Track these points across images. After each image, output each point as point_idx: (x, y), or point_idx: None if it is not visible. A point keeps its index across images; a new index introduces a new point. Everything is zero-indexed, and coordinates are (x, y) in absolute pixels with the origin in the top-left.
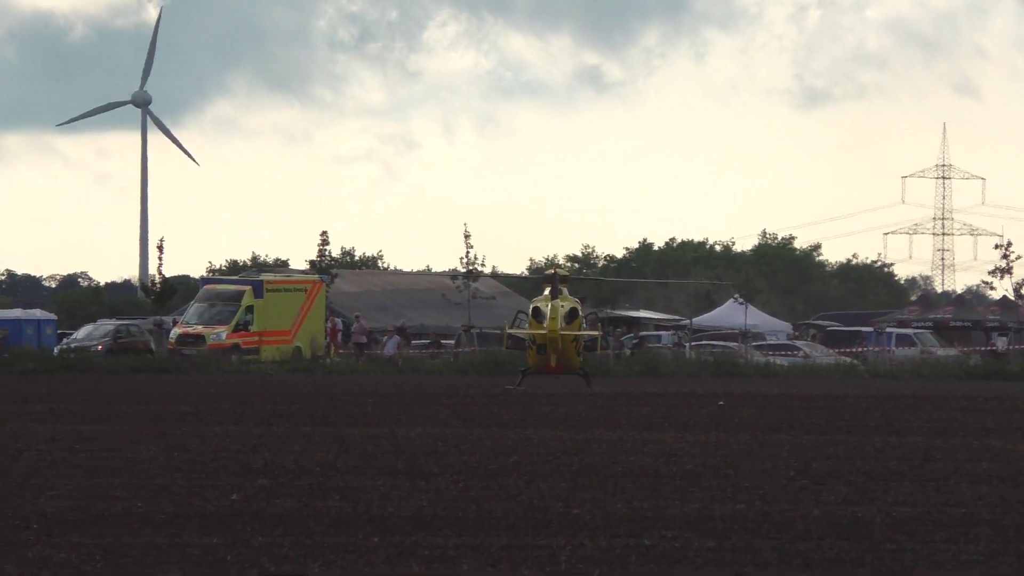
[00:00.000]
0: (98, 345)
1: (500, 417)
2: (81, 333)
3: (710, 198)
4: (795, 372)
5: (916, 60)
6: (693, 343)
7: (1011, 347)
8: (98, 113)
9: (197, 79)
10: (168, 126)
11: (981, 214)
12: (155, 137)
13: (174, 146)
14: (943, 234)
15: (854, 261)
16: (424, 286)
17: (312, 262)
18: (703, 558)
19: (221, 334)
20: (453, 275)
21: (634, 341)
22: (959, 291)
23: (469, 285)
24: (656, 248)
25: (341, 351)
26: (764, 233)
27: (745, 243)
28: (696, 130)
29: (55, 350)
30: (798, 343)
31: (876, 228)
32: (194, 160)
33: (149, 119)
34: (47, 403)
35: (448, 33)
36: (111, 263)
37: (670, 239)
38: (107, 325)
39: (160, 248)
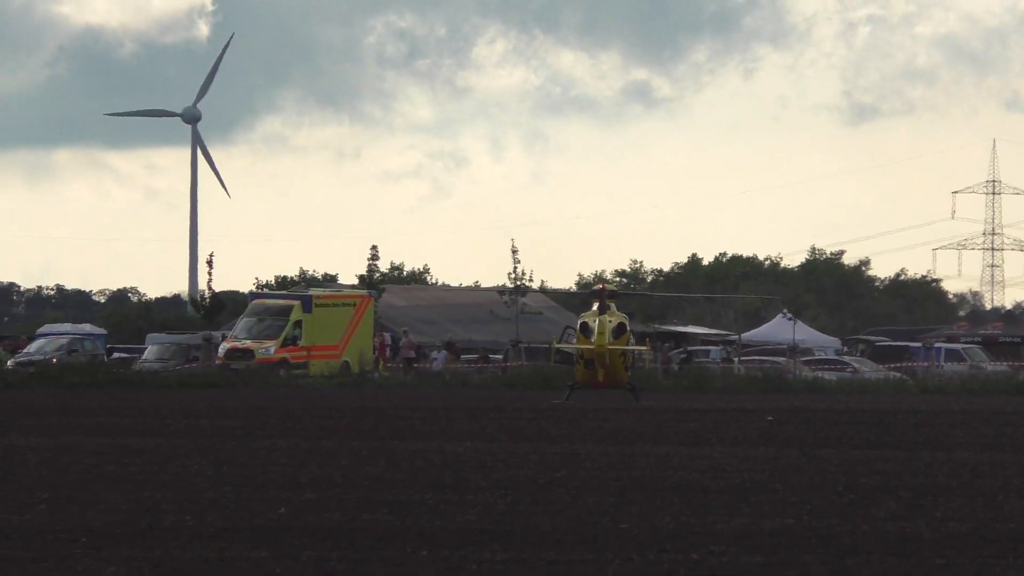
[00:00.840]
0: (52, 358)
1: (548, 432)
2: (33, 347)
3: (759, 213)
4: (843, 387)
5: (965, 76)
6: (742, 358)
7: None
8: (148, 116)
9: (247, 95)
10: (218, 142)
11: None
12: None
13: (220, 163)
14: (992, 249)
15: (903, 277)
16: (472, 301)
17: (361, 277)
18: (751, 573)
19: (270, 348)
20: (501, 290)
21: (682, 356)
22: (1008, 307)
23: (517, 300)
24: (705, 263)
25: (389, 365)
26: (813, 249)
27: (794, 259)
28: (745, 146)
29: (8, 364)
30: (847, 358)
31: (925, 244)
32: (226, 191)
33: (198, 135)
34: (96, 417)
35: (497, 49)
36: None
37: (720, 254)
38: (60, 340)
39: (209, 263)
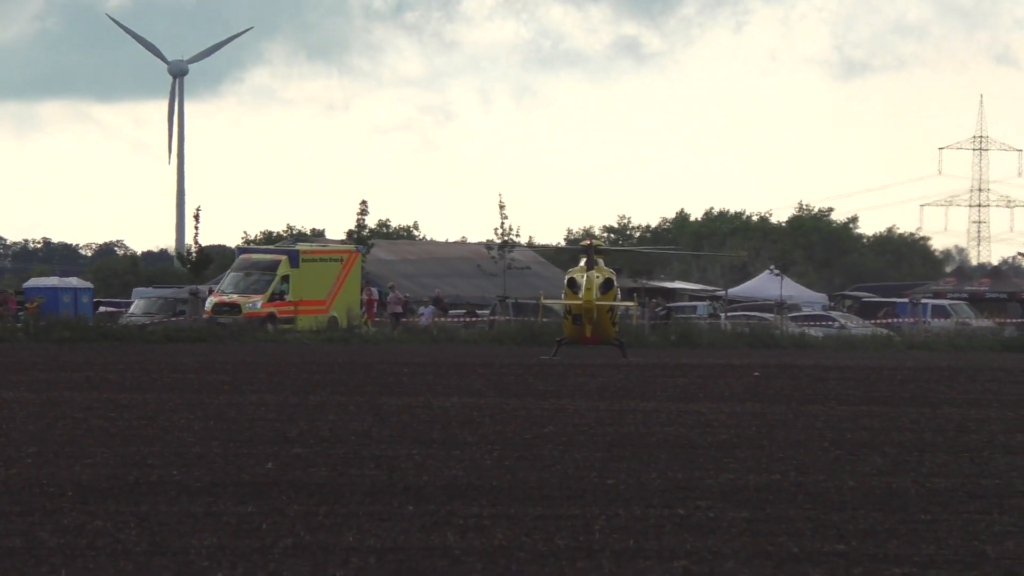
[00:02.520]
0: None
1: (535, 387)
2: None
3: (747, 169)
4: (830, 343)
5: (956, 31)
6: (729, 314)
7: None
8: (141, 43)
9: (236, 49)
10: (207, 94)
11: (1018, 186)
12: (192, 106)
13: (208, 116)
14: (979, 206)
15: (890, 233)
16: (459, 256)
17: (350, 232)
18: (737, 528)
19: (257, 303)
20: (488, 245)
21: (661, 312)
22: (995, 263)
23: (504, 255)
24: (693, 219)
25: (376, 320)
26: (800, 205)
27: (781, 214)
28: (734, 101)
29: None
30: (833, 314)
31: (912, 200)
32: (168, 154)
33: (183, 86)
34: (83, 371)
35: (487, 3)
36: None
37: (707, 210)
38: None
39: (196, 218)
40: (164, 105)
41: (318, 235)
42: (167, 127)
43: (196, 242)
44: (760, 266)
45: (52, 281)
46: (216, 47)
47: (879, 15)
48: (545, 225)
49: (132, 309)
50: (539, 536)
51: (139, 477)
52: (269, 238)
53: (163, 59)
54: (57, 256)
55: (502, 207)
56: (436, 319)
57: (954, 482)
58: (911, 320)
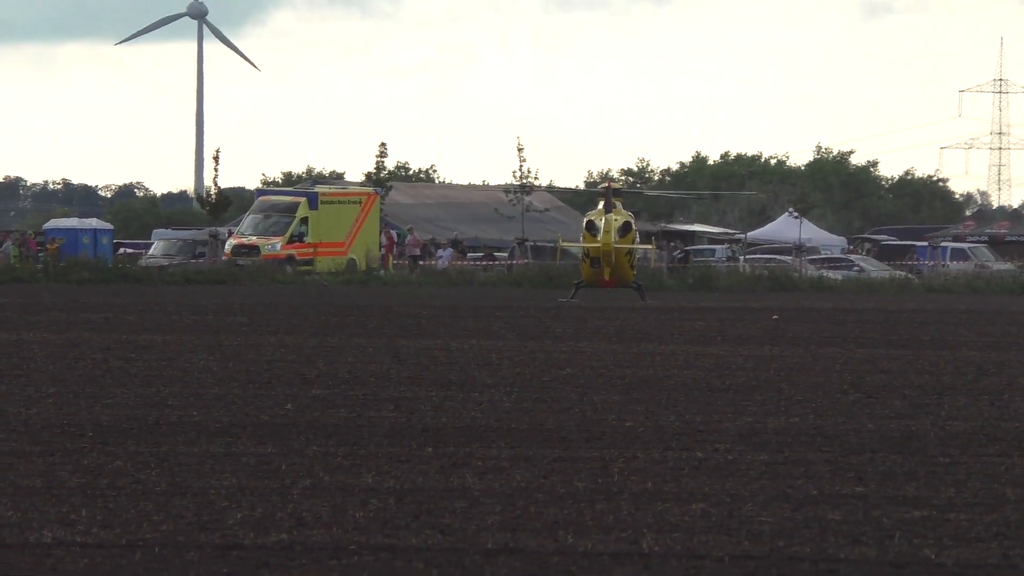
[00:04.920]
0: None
1: (553, 330)
2: (158, 250)
3: (766, 112)
4: (849, 286)
5: None
6: (747, 257)
7: None
8: (155, 28)
9: None
10: (228, 36)
11: None
12: (211, 48)
13: (232, 56)
14: (1000, 149)
15: (910, 176)
16: (478, 199)
17: (369, 174)
18: (756, 471)
19: (276, 245)
20: (507, 189)
21: (679, 256)
22: (1015, 206)
23: (522, 199)
24: (711, 162)
25: (396, 263)
26: (819, 148)
27: (800, 158)
28: (753, 43)
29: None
30: (852, 257)
31: (932, 143)
32: (254, 65)
33: (206, 29)
34: (103, 312)
35: None
36: (167, 174)
37: (724, 153)
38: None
39: (216, 159)
40: (184, 46)
41: (337, 177)
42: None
43: (215, 184)
44: (779, 209)
45: (72, 222)
46: None
47: None
48: (564, 168)
49: (152, 251)
50: (558, 478)
51: (159, 418)
52: (288, 180)
53: (180, 14)
54: (77, 197)
55: (520, 150)
56: (454, 262)
57: (973, 425)
58: (931, 263)
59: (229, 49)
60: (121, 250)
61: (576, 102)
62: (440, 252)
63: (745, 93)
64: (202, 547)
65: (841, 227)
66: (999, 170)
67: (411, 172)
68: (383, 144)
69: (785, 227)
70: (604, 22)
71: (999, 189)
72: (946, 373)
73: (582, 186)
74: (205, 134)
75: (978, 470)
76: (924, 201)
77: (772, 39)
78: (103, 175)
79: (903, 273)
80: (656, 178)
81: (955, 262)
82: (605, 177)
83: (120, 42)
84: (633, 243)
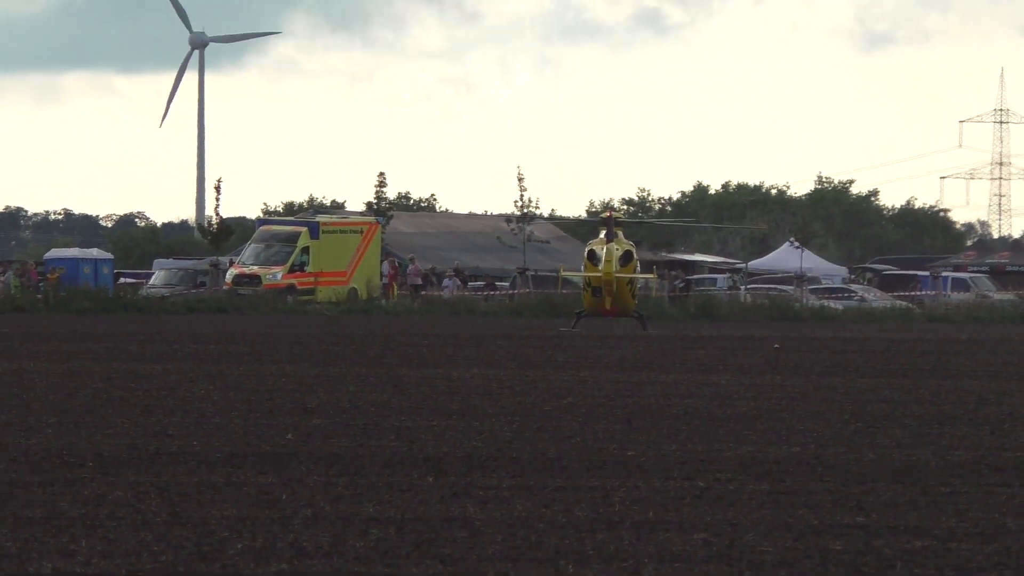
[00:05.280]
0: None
1: (555, 359)
2: (159, 280)
3: (767, 142)
4: (850, 316)
5: (980, 3)
6: (748, 287)
7: None
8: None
9: (257, 19)
10: (229, 66)
11: None
12: (212, 78)
13: (230, 88)
14: (1000, 179)
15: (911, 205)
16: (479, 228)
17: (369, 203)
18: (757, 501)
19: (277, 275)
20: (508, 218)
21: (680, 285)
22: (1016, 236)
23: (524, 228)
24: (712, 192)
25: (400, 292)
26: (820, 178)
27: (801, 187)
28: (755, 72)
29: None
30: (853, 287)
31: (933, 173)
32: (163, 120)
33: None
34: (103, 342)
35: None
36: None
37: (725, 183)
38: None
39: (217, 189)
40: (186, 77)
41: (338, 207)
42: (199, 99)
43: (217, 213)
44: (780, 238)
45: (73, 252)
46: (241, 37)
47: None
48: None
49: (152, 280)
50: (559, 508)
51: (159, 447)
52: (290, 209)
53: (188, 27)
54: (78, 227)
55: (521, 179)
56: (457, 292)
57: (974, 454)
58: (932, 293)
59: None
60: (122, 280)
61: (577, 132)
62: (445, 282)
63: (746, 123)
64: None
65: (842, 257)
66: (1000, 200)
67: (412, 201)
68: (382, 174)
69: (786, 257)
70: (605, 52)
71: (1000, 219)
72: (947, 403)
73: (583, 216)
74: (206, 164)
75: (979, 500)
76: (925, 231)
77: (773, 69)
78: (104, 205)
79: (904, 303)
80: (657, 208)
81: (956, 292)
82: (606, 207)
83: (162, 121)
84: (634, 272)
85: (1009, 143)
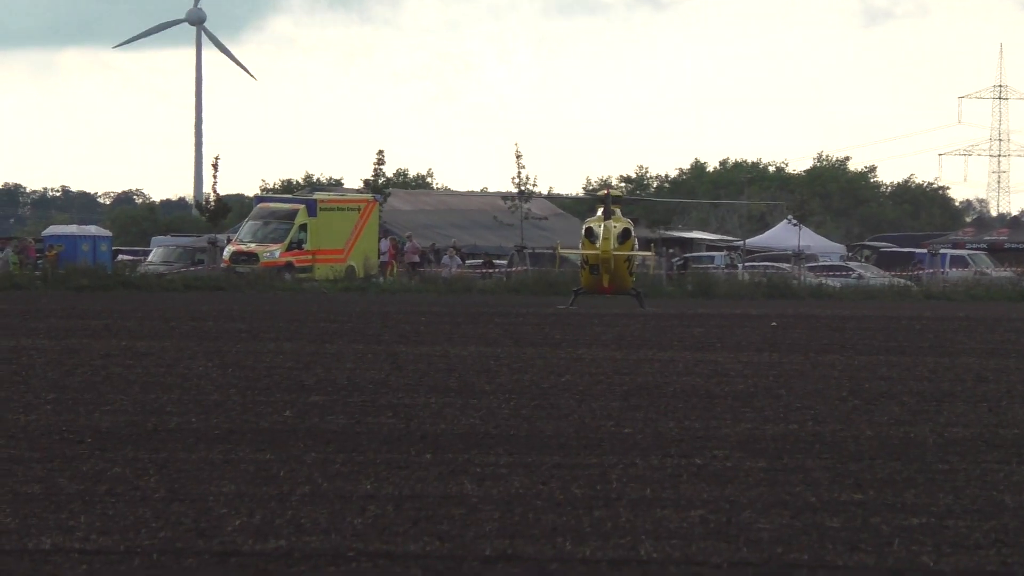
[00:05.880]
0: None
1: (552, 337)
2: (157, 257)
3: (765, 118)
4: (848, 293)
5: None
6: (746, 264)
7: None
8: (153, 33)
9: None
10: (227, 42)
11: None
12: (210, 55)
13: (230, 63)
14: (999, 156)
15: (909, 182)
16: (476, 206)
17: (367, 181)
18: (754, 478)
19: (275, 252)
20: (505, 196)
21: (679, 263)
22: (1014, 213)
23: (521, 205)
24: (710, 169)
25: (399, 270)
26: (819, 155)
27: (799, 164)
28: (753, 49)
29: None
30: (851, 264)
31: (932, 149)
32: (251, 75)
33: (205, 37)
34: (102, 319)
35: None
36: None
37: (723, 160)
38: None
39: (215, 166)
40: (184, 53)
41: (336, 184)
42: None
43: (214, 191)
44: (778, 216)
45: (71, 229)
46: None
47: None
48: (563, 175)
49: (150, 257)
50: (556, 485)
51: (157, 424)
52: (287, 187)
53: (178, 20)
54: (76, 204)
55: (519, 157)
56: (458, 269)
57: (972, 432)
58: (929, 270)
59: (227, 58)
60: (120, 257)
61: (575, 109)
62: (445, 259)
63: (744, 99)
64: (200, 554)
65: (840, 234)
66: (998, 177)
67: (410, 179)
68: (381, 151)
69: (784, 234)
70: (603, 28)
71: (998, 196)
72: (945, 380)
73: (581, 193)
74: (204, 141)
75: (977, 477)
76: (923, 208)
77: (771, 45)
78: (102, 182)
79: (902, 281)
80: (655, 185)
81: (954, 269)
82: (604, 184)
83: (118, 46)
84: (632, 250)
85: (1008, 119)
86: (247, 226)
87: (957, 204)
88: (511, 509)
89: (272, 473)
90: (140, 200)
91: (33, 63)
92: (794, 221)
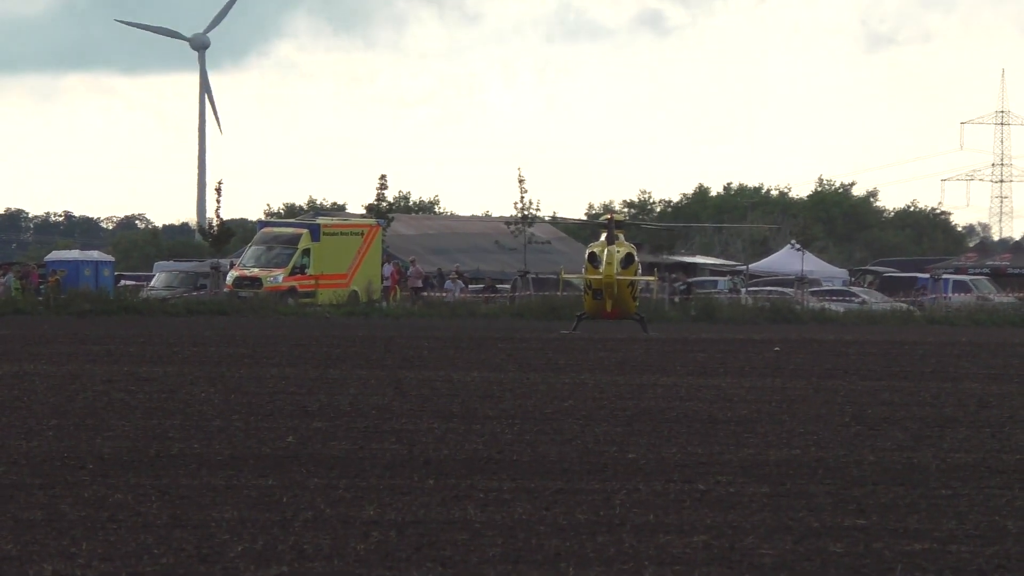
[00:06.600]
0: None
1: (555, 362)
2: (159, 282)
3: (768, 143)
4: (851, 318)
5: (982, 4)
6: (749, 289)
7: None
8: (158, 33)
9: (260, 21)
10: (230, 67)
11: None
12: (214, 80)
13: (231, 90)
14: (1001, 181)
15: (912, 208)
16: (480, 231)
17: (370, 206)
18: (757, 503)
19: (278, 277)
20: (508, 220)
21: (682, 288)
22: (1017, 238)
23: (524, 230)
24: (713, 194)
25: (403, 294)
26: (821, 180)
27: (802, 189)
28: (756, 74)
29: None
30: (854, 289)
31: (934, 175)
32: (219, 126)
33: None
34: (104, 344)
35: None
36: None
37: (727, 184)
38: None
39: (218, 191)
40: (187, 78)
41: (339, 209)
42: (200, 101)
43: (217, 215)
44: (781, 241)
45: (73, 254)
46: (227, 7)
47: None
48: (566, 200)
49: (153, 282)
50: (559, 510)
51: (160, 450)
52: (291, 211)
53: (183, 36)
54: (79, 229)
55: (522, 181)
56: (462, 293)
57: (975, 457)
58: (932, 295)
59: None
60: (122, 282)
61: (578, 134)
62: (448, 284)
63: (747, 125)
64: None
65: (843, 259)
66: (1000, 202)
67: (413, 203)
68: (383, 176)
69: (787, 259)
70: (606, 53)
71: (1000, 221)
72: (947, 405)
73: (584, 218)
74: (207, 165)
75: (980, 502)
76: (926, 233)
77: (774, 71)
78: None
79: (904, 305)
80: (658, 210)
81: (957, 294)
82: (607, 209)
83: (120, 20)
84: (635, 275)
85: (1010, 145)
86: (250, 251)
87: (959, 229)
88: (514, 534)
89: (275, 499)
90: (143, 225)
91: (35, 88)
92: (797, 246)
